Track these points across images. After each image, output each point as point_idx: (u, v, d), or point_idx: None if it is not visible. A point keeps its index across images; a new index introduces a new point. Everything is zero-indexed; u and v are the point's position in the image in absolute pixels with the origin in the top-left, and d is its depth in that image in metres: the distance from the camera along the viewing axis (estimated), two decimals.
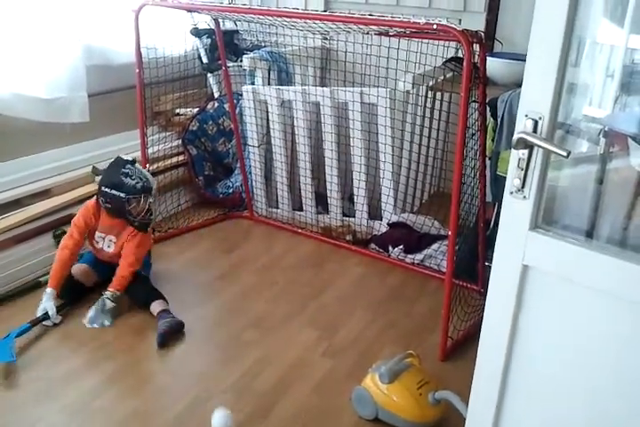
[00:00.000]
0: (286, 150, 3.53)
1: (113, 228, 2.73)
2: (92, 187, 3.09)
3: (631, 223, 1.41)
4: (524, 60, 1.23)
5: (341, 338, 2.56)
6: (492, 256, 1.40)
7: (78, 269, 2.75)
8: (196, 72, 3.80)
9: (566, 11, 1.15)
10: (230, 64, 3.65)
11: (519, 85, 1.29)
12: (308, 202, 3.54)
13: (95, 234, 2.75)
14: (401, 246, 3.20)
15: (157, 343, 2.44)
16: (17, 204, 2.93)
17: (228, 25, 3.87)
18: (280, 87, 3.45)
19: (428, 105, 3.48)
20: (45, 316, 2.52)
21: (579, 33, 1.19)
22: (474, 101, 2.35)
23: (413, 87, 3.21)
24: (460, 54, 2.45)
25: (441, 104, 3.44)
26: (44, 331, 2.52)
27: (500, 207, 1.91)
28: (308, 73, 3.84)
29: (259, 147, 3.58)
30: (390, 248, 3.23)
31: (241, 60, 3.62)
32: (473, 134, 2.43)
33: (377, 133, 3.21)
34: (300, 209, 3.60)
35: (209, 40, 3.77)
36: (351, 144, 3.28)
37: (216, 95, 3.87)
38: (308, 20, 2.54)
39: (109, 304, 2.59)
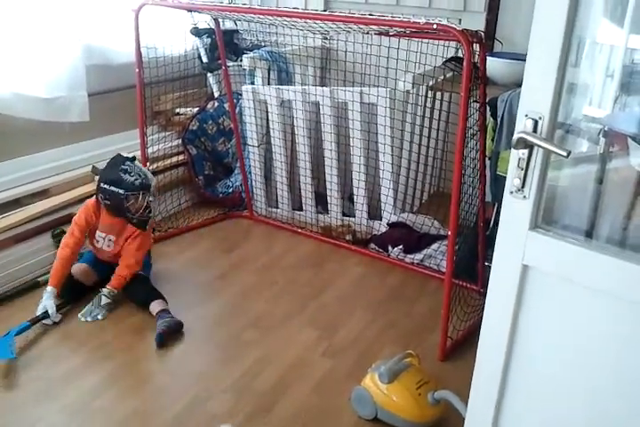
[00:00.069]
0: (286, 150, 3.53)
1: (113, 227, 2.73)
2: (92, 186, 3.09)
3: (631, 223, 1.41)
4: (524, 60, 1.23)
5: (341, 338, 2.56)
6: (491, 256, 1.40)
7: (78, 268, 2.75)
8: (196, 72, 3.80)
9: (566, 11, 1.15)
10: (230, 64, 3.65)
11: (519, 85, 1.29)
12: (307, 202, 3.54)
13: (95, 233, 2.75)
14: (401, 246, 3.20)
15: (156, 343, 2.44)
16: (16, 203, 2.93)
17: (228, 24, 3.86)
18: (280, 87, 3.45)
19: (428, 105, 3.47)
20: (45, 314, 2.52)
21: (579, 33, 1.19)
22: (474, 101, 2.35)
23: (413, 87, 3.20)
24: (459, 54, 2.45)
25: (441, 104, 3.43)
26: (43, 331, 2.52)
27: (499, 207, 1.91)
28: (307, 73, 3.83)
29: (258, 146, 3.58)
30: (390, 248, 3.23)
31: (241, 60, 3.62)
32: (473, 134, 2.43)
33: (377, 133, 3.21)
34: (300, 209, 3.60)
35: (209, 40, 3.76)
36: (351, 144, 3.28)
37: (216, 95, 3.87)
38: (308, 20, 2.54)
39: (105, 300, 2.62)
